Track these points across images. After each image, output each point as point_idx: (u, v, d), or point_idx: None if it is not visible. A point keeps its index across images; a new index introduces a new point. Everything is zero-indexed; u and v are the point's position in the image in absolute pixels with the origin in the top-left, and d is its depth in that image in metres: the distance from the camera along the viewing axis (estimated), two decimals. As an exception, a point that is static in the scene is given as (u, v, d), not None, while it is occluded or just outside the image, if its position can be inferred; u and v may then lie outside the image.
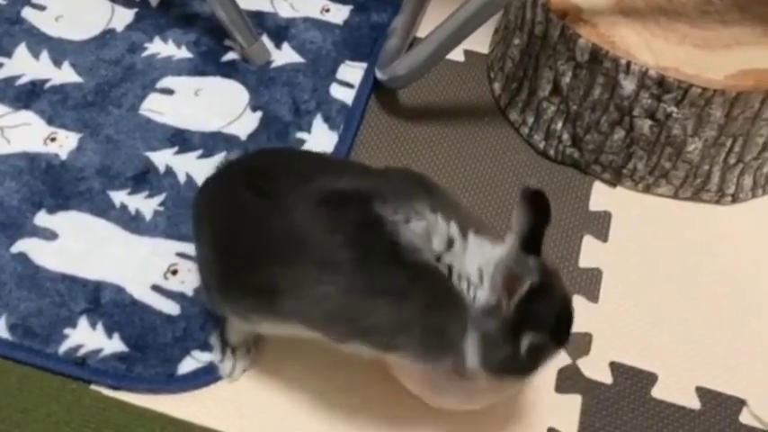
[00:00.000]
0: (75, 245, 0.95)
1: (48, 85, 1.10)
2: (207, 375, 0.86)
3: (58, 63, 1.13)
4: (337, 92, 1.13)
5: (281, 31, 1.19)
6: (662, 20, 1.00)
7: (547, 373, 0.89)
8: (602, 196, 1.05)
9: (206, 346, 0.88)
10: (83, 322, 0.89)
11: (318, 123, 1.09)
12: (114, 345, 0.87)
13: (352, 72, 1.15)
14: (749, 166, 1.04)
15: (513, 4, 1.10)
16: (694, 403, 0.88)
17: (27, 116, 1.07)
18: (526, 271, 0.67)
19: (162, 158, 1.03)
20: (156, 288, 0.92)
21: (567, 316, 0.72)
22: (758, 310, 0.96)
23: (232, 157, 0.85)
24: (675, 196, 1.06)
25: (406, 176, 0.76)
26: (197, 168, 1.03)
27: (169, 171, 1.02)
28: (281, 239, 0.71)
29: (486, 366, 0.71)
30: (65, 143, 1.04)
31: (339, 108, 1.11)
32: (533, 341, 0.70)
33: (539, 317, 0.70)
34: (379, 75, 1.12)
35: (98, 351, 0.87)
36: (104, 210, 0.98)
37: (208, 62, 1.15)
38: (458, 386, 0.75)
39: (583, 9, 0.99)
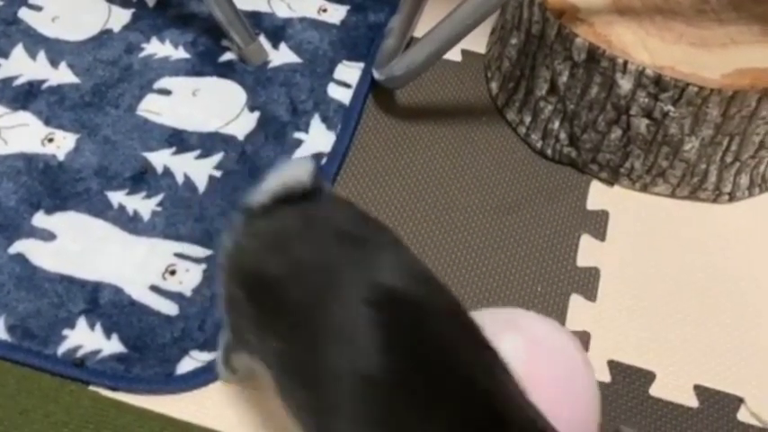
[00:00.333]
0: (73, 245, 0.95)
1: (45, 85, 1.10)
2: (205, 375, 0.86)
3: (55, 64, 1.13)
4: (335, 92, 1.13)
5: (278, 31, 1.19)
6: (658, 19, 1.00)
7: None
8: (599, 195, 1.06)
9: (204, 346, 0.88)
10: (81, 323, 0.89)
11: (316, 123, 1.09)
12: (113, 345, 0.87)
13: (350, 72, 1.15)
14: (746, 165, 1.04)
15: (510, 3, 1.10)
16: (692, 401, 0.88)
17: (24, 117, 1.07)
18: None
19: (160, 159, 1.03)
20: (154, 288, 0.92)
21: None
22: (756, 309, 0.96)
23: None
24: (673, 195, 1.06)
25: None
26: (195, 169, 1.03)
27: (167, 171, 1.02)
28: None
29: None
30: (62, 144, 1.04)
31: (336, 108, 1.11)
32: None
33: None
34: (376, 75, 1.12)
35: (97, 352, 0.87)
36: (102, 210, 0.98)
37: (205, 62, 1.15)
38: None
39: (579, 8, 1.00)
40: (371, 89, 1.14)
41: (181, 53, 1.15)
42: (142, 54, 1.15)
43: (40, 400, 0.83)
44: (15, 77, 1.11)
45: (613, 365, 0.90)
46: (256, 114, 1.09)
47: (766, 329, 0.94)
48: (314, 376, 0.61)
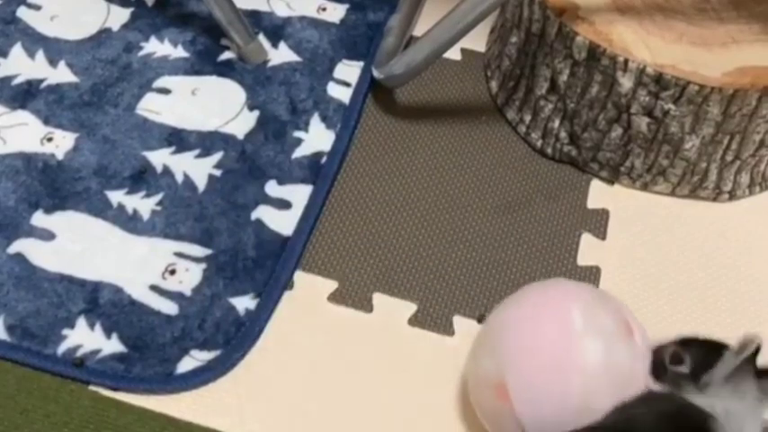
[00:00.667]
0: (72, 245, 0.94)
1: (44, 84, 1.09)
2: (206, 374, 0.86)
3: (53, 63, 1.12)
4: (334, 91, 1.13)
5: (277, 30, 1.19)
6: (658, 18, 1.00)
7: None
8: (599, 194, 1.05)
9: (204, 345, 0.88)
10: (81, 323, 0.88)
11: (316, 122, 1.09)
12: (113, 345, 0.87)
13: (349, 71, 1.15)
14: (746, 164, 1.04)
15: (509, 2, 1.10)
16: (693, 400, 0.88)
17: (23, 116, 1.06)
18: None
19: (159, 158, 1.03)
20: (154, 288, 0.92)
21: None
22: (757, 308, 0.96)
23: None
24: (673, 194, 1.06)
25: None
26: (194, 168, 1.02)
27: (166, 171, 1.02)
28: None
29: None
30: (61, 143, 1.03)
31: (336, 107, 1.11)
32: None
33: None
34: (376, 73, 1.12)
35: (96, 351, 0.86)
36: (102, 210, 0.98)
37: (204, 61, 1.14)
38: None
39: (580, 7, 1.00)
40: (371, 88, 1.14)
41: (180, 52, 1.15)
42: (141, 53, 1.14)
43: (39, 400, 0.83)
44: (14, 77, 1.10)
45: (614, 364, 0.90)
46: (256, 113, 1.09)
47: (767, 328, 0.94)
48: None
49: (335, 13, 1.22)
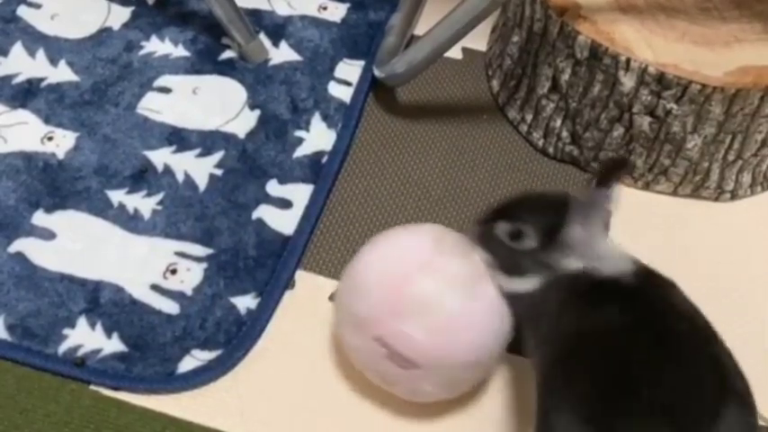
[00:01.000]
0: (73, 244, 0.94)
1: (44, 83, 1.09)
2: (207, 374, 0.86)
3: (54, 62, 1.12)
4: (335, 90, 1.12)
5: (278, 29, 1.19)
6: (661, 17, 1.00)
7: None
8: (601, 193, 1.05)
9: (206, 345, 0.87)
10: (82, 322, 0.88)
11: (317, 121, 1.08)
12: (113, 345, 0.87)
13: (350, 70, 1.15)
14: (748, 163, 1.04)
15: (511, 1, 1.09)
16: (695, 400, 0.88)
17: (23, 115, 1.06)
18: None
19: (160, 157, 1.03)
20: (155, 287, 0.91)
21: None
22: (758, 307, 0.96)
23: None
24: (675, 193, 1.06)
25: None
26: (195, 167, 1.02)
27: (167, 170, 1.02)
28: None
29: None
30: (62, 142, 1.03)
31: (337, 106, 1.10)
32: None
33: None
34: (377, 72, 1.11)
35: (97, 351, 0.86)
36: (102, 209, 0.97)
37: (205, 60, 1.14)
38: None
39: (582, 6, 0.99)
40: (372, 87, 1.14)
41: (181, 51, 1.15)
42: (142, 52, 1.14)
43: (40, 400, 0.83)
44: (14, 75, 1.10)
45: (616, 364, 0.90)
46: (257, 113, 1.09)
47: (769, 328, 0.94)
48: None
49: (337, 12, 1.22)
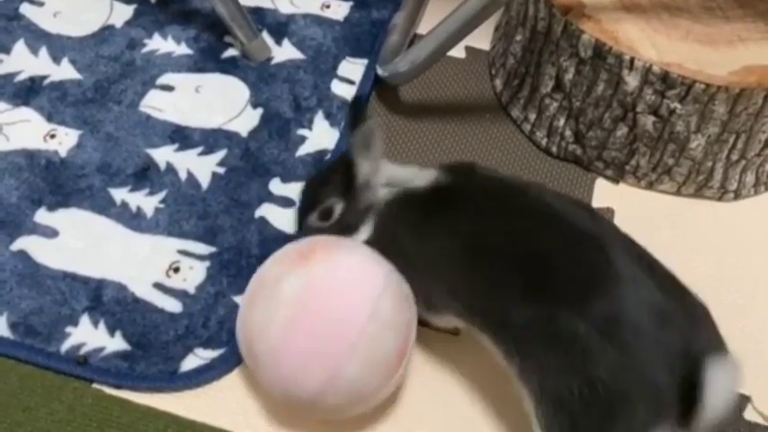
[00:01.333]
0: (75, 242, 0.94)
1: (47, 81, 1.09)
2: (209, 373, 0.86)
3: (56, 59, 1.12)
4: (338, 88, 1.12)
5: (281, 27, 1.19)
6: (665, 16, 1.00)
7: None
8: (604, 193, 1.05)
9: (209, 344, 0.87)
10: (84, 320, 0.88)
11: (319, 120, 1.08)
12: (116, 343, 0.87)
13: (353, 68, 1.15)
14: (751, 163, 1.03)
15: (515, 0, 1.09)
16: (699, 400, 0.88)
17: (26, 113, 1.06)
18: None
19: (162, 155, 1.03)
20: (157, 286, 0.91)
21: None
22: (761, 307, 0.96)
23: None
24: (678, 193, 1.05)
25: None
26: (198, 165, 1.02)
27: (170, 168, 1.01)
28: None
29: None
30: (64, 140, 1.03)
31: (340, 104, 1.10)
32: None
33: None
34: (380, 71, 1.11)
35: (100, 349, 0.86)
36: (105, 207, 0.97)
37: (208, 58, 1.14)
38: None
39: (586, 5, 0.99)
40: (375, 86, 1.14)
41: (183, 49, 1.15)
42: (144, 50, 1.14)
43: (42, 398, 0.82)
44: (17, 73, 1.10)
45: (619, 364, 0.90)
46: (259, 111, 1.08)
47: (772, 328, 0.94)
48: None
49: (339, 11, 1.22)
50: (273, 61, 1.14)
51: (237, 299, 0.91)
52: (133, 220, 0.96)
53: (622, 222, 1.02)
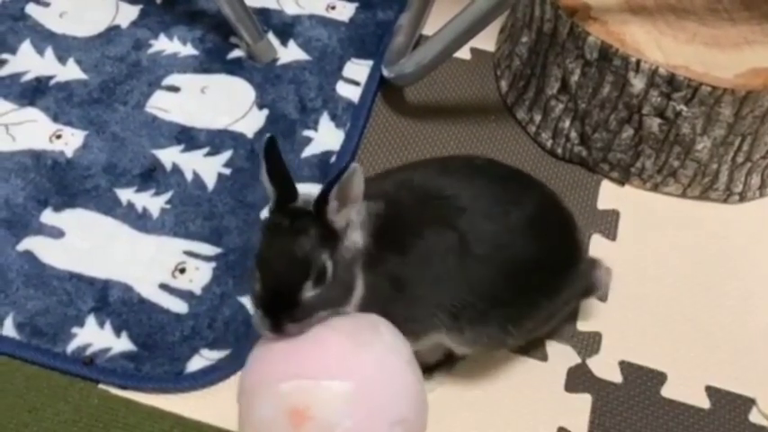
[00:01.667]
0: (81, 243, 0.94)
1: (53, 81, 1.09)
2: (215, 374, 0.86)
3: (62, 60, 1.12)
4: (343, 89, 1.12)
5: (286, 28, 1.19)
6: (671, 18, 1.00)
7: (557, 373, 0.89)
8: (610, 195, 1.05)
9: (214, 345, 0.87)
10: (90, 321, 0.88)
11: (325, 121, 1.08)
12: (122, 343, 0.87)
13: (359, 70, 1.15)
14: (757, 165, 1.03)
15: (521, 1, 1.09)
16: (704, 402, 0.88)
17: (32, 113, 1.06)
18: None
19: (168, 156, 1.03)
20: (163, 287, 0.91)
21: None
22: (766, 308, 0.96)
23: None
24: (683, 195, 1.05)
25: None
26: (203, 166, 1.02)
27: (176, 169, 1.01)
28: None
29: None
30: (70, 141, 1.03)
31: (345, 106, 1.10)
32: None
33: None
34: (385, 72, 1.11)
35: (106, 350, 0.86)
36: (111, 207, 0.97)
37: (213, 59, 1.14)
38: None
39: (592, 7, 0.99)
40: (380, 87, 1.14)
41: (189, 50, 1.15)
42: (150, 50, 1.14)
43: (49, 398, 0.83)
44: (23, 73, 1.10)
45: (624, 366, 0.90)
46: (265, 112, 1.08)
47: (778, 330, 0.94)
48: None
49: (345, 12, 1.22)
50: (279, 62, 1.14)
51: (243, 299, 0.91)
52: (139, 220, 0.96)
53: (627, 224, 1.03)
